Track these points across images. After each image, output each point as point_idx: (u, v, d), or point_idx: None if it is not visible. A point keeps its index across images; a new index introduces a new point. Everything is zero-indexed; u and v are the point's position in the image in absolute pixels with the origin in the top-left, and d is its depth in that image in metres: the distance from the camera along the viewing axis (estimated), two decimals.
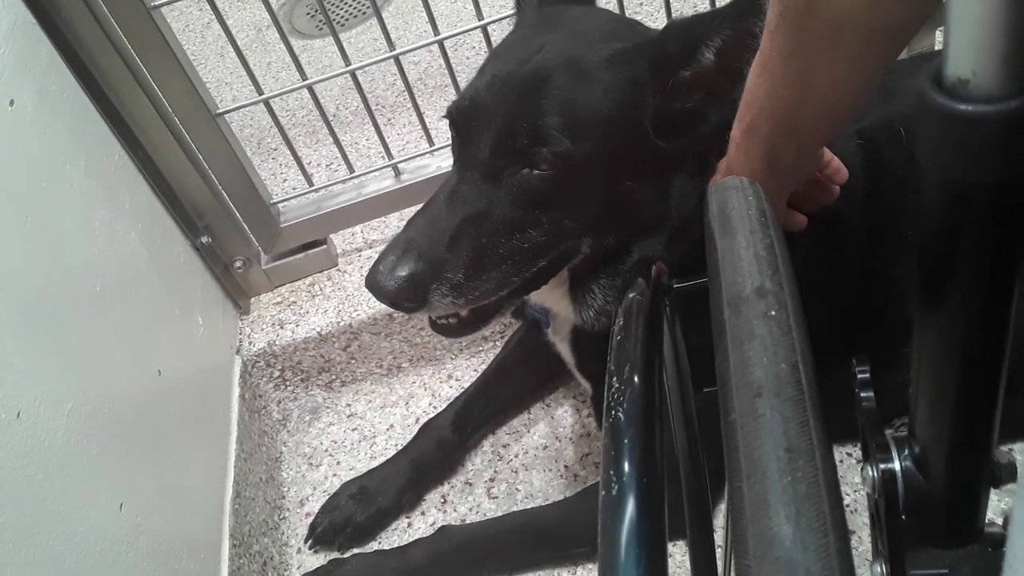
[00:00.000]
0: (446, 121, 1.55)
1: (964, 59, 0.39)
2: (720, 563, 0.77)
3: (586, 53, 0.94)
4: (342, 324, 1.53)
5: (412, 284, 0.93)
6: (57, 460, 0.89)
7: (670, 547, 1.15)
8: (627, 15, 1.43)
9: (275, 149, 2.03)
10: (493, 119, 0.93)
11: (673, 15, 1.47)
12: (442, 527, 1.27)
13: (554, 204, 0.95)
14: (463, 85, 1.45)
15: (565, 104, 0.91)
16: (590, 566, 1.25)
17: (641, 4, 2.10)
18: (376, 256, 1.61)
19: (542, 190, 0.93)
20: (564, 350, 1.23)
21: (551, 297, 1.11)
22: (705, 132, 0.92)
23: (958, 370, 0.50)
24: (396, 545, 1.33)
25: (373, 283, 0.94)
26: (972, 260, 0.45)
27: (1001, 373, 0.50)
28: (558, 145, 0.91)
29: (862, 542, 1.14)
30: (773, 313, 0.49)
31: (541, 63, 0.93)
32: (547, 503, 1.31)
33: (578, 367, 1.25)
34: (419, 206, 1.60)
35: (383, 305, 1.51)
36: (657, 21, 2.02)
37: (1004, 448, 0.59)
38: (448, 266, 0.94)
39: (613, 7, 1.90)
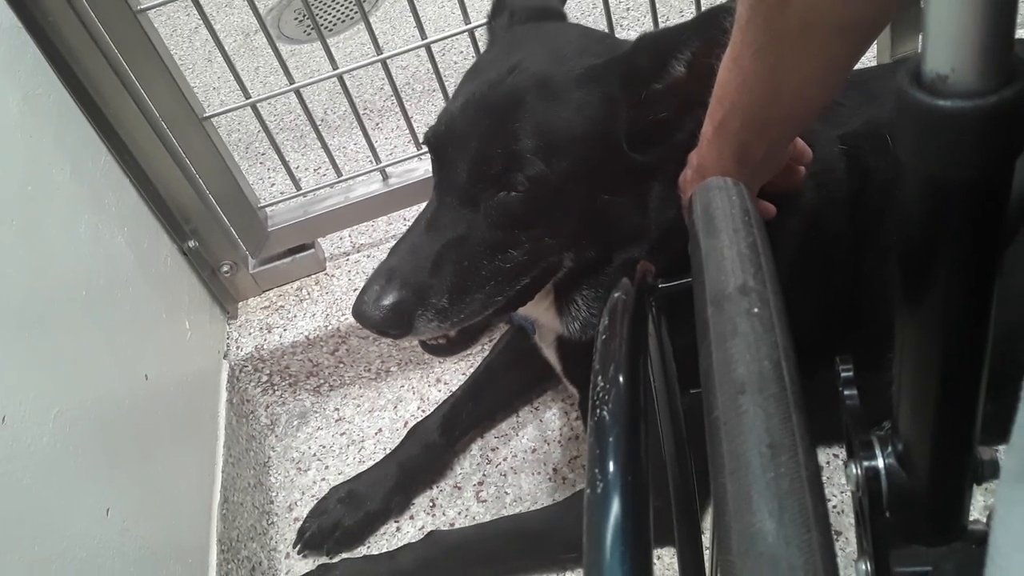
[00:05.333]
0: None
1: (942, 55, 0.39)
2: (708, 565, 0.77)
3: (558, 72, 0.95)
4: (330, 328, 1.52)
5: (397, 312, 0.94)
6: (42, 465, 0.88)
7: (660, 550, 1.16)
8: (614, 22, 1.44)
9: (263, 153, 2.03)
10: (468, 145, 0.94)
11: (660, 21, 1.47)
12: (430, 532, 1.27)
13: (533, 224, 0.96)
14: (450, 89, 1.46)
15: (538, 127, 0.92)
16: (579, 571, 1.25)
17: (628, 9, 2.11)
18: (363, 259, 1.62)
19: (520, 211, 0.94)
20: (551, 356, 1.24)
21: (536, 309, 1.11)
22: (680, 140, 0.93)
23: (939, 366, 0.51)
24: (385, 549, 1.33)
25: (359, 313, 0.95)
26: (952, 256, 0.45)
27: (982, 369, 0.50)
28: (533, 168, 0.92)
29: (849, 543, 1.14)
30: (756, 310, 0.50)
31: (513, 85, 0.94)
32: (536, 507, 1.31)
33: (565, 373, 1.25)
34: (406, 210, 1.62)
35: None
36: (644, 26, 2.03)
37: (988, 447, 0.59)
38: (432, 291, 0.95)
39: (600, 14, 1.91)
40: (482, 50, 1.16)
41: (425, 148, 1.49)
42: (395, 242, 1.00)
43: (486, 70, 0.98)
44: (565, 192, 0.94)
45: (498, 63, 0.98)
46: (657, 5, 1.45)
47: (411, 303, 0.94)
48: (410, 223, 1.62)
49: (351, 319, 1.51)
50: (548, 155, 0.92)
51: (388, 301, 0.94)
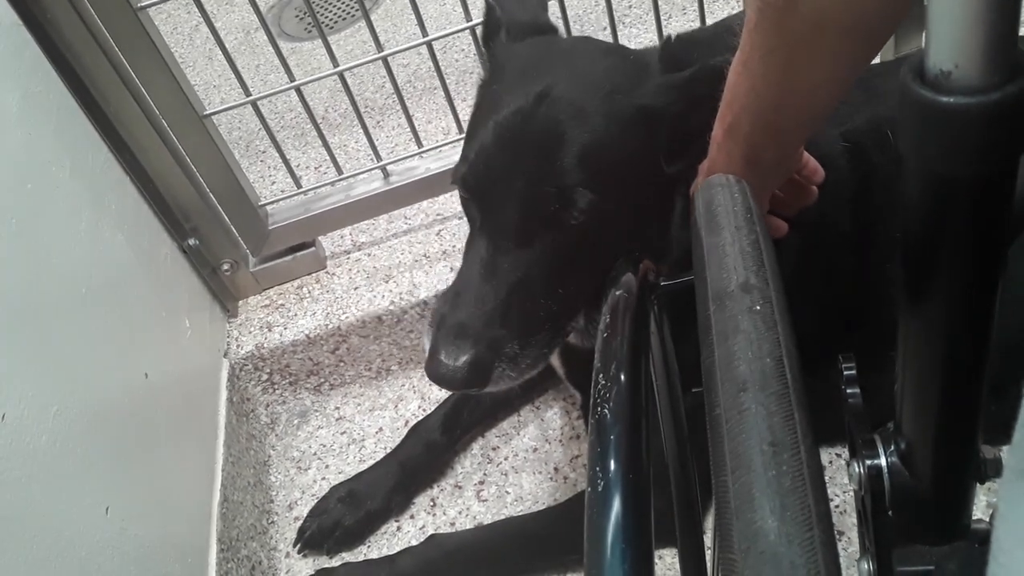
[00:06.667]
0: (434, 123, 1.55)
1: (946, 51, 0.39)
2: (709, 564, 0.76)
3: (594, 97, 0.92)
4: (330, 327, 1.52)
5: (477, 368, 0.92)
6: (42, 464, 0.88)
7: (661, 550, 1.15)
8: (616, 20, 1.43)
9: (263, 151, 2.02)
10: (514, 185, 0.91)
11: (661, 16, 1.47)
12: (431, 535, 1.26)
13: (588, 254, 0.95)
14: (452, 87, 1.46)
15: (585, 158, 0.90)
16: (581, 572, 1.24)
17: (630, 7, 2.11)
18: (364, 257, 1.61)
19: (577, 244, 0.93)
20: (554, 360, 1.23)
21: None
22: (702, 148, 0.92)
23: (942, 364, 0.50)
24: (385, 548, 1.32)
25: (437, 375, 0.93)
26: (955, 254, 0.45)
27: (985, 367, 0.50)
28: (585, 200, 0.90)
29: (851, 543, 1.14)
30: (758, 308, 0.49)
31: (550, 116, 0.91)
32: (537, 507, 1.31)
33: (567, 377, 1.25)
34: (407, 208, 1.61)
35: (372, 307, 1.52)
36: (646, 23, 2.03)
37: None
38: (505, 341, 0.93)
39: (602, 12, 1.91)
40: (481, 94, 1.11)
41: (427, 146, 1.50)
42: (450, 291, 0.98)
43: (509, 99, 0.94)
44: (616, 216, 0.93)
45: (522, 90, 0.94)
46: (659, 3, 1.45)
47: (488, 357, 0.92)
48: (411, 222, 1.64)
49: (351, 317, 1.53)
50: (598, 184, 0.90)
51: (465, 358, 0.92)
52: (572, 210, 0.91)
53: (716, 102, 0.86)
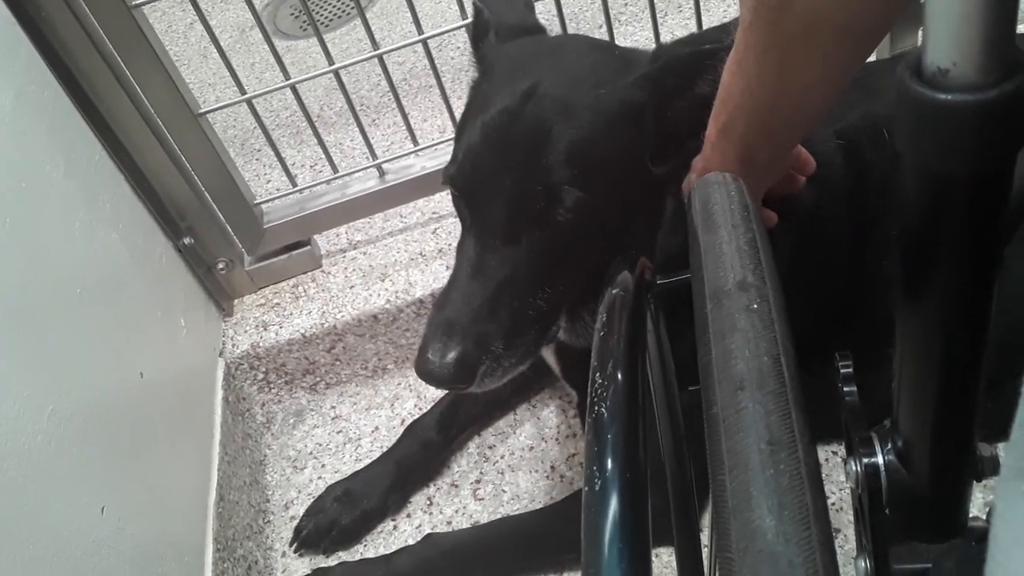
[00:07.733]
0: (429, 121, 1.54)
1: (943, 48, 0.39)
2: (706, 563, 0.76)
3: (579, 93, 0.93)
4: (326, 326, 1.52)
5: (463, 365, 0.93)
6: (37, 463, 0.88)
7: (658, 548, 1.15)
8: (612, 17, 1.43)
9: (259, 150, 2.02)
10: (501, 183, 0.92)
11: (656, 14, 1.47)
12: (428, 534, 1.26)
13: (575, 251, 0.95)
14: (447, 85, 1.46)
15: (571, 155, 0.90)
16: (578, 571, 1.24)
17: (626, 4, 2.10)
18: (360, 256, 1.61)
19: (565, 241, 0.94)
20: (549, 358, 1.23)
21: None
22: (692, 148, 0.92)
23: (939, 362, 0.50)
24: (382, 548, 1.32)
25: (425, 371, 0.94)
26: (952, 251, 0.45)
27: (982, 365, 0.50)
28: (572, 198, 0.90)
29: (848, 540, 1.14)
30: (755, 306, 0.49)
31: (536, 114, 0.91)
32: (533, 506, 1.31)
33: (563, 376, 1.25)
34: (402, 206, 1.61)
35: (368, 306, 1.52)
36: (642, 21, 2.03)
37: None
38: (492, 338, 0.94)
39: (598, 8, 1.91)
40: (471, 94, 1.12)
41: (422, 144, 1.50)
42: (441, 291, 0.98)
43: (497, 98, 0.94)
44: (603, 213, 0.93)
45: (509, 89, 0.94)
46: (655, 1, 1.45)
47: (475, 353, 0.93)
48: (407, 220, 1.63)
49: (347, 316, 1.52)
50: (585, 181, 0.90)
51: (452, 355, 0.92)
52: (559, 208, 0.91)
53: (689, 94, 0.88)
